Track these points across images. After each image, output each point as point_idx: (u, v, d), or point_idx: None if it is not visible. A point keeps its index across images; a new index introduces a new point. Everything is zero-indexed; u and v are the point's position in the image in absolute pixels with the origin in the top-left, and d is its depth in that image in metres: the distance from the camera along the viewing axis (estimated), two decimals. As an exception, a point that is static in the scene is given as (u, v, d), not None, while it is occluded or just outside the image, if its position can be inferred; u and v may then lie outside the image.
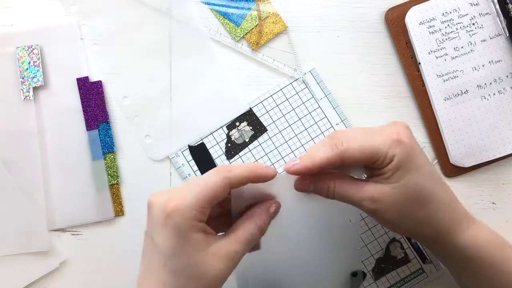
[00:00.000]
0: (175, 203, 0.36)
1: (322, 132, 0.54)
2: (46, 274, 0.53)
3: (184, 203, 0.36)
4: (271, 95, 0.55)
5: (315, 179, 0.42)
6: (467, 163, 0.53)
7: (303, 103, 0.54)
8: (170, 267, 0.37)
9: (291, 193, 0.44)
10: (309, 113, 0.54)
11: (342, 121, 0.54)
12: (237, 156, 0.54)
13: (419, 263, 0.54)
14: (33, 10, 0.54)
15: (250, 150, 0.54)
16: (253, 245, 0.40)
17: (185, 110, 0.54)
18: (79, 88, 0.54)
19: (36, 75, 0.53)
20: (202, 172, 0.54)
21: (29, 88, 0.53)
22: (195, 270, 0.37)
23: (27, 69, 0.53)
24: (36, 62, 0.53)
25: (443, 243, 0.43)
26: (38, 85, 0.53)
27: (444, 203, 0.42)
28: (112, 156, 0.54)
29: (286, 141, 0.54)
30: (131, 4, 0.55)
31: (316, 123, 0.54)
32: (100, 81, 0.54)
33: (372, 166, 0.41)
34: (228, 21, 0.54)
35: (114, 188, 0.54)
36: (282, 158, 0.54)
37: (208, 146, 0.54)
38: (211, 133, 0.54)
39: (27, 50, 0.53)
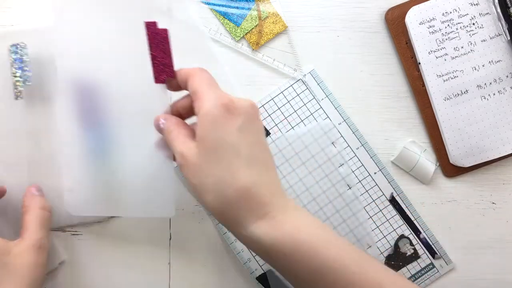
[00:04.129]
0: None
1: (326, 133, 0.54)
2: (45, 274, 0.53)
3: None
4: (272, 98, 0.54)
5: (168, 118, 0.43)
6: (467, 163, 0.53)
7: (305, 104, 0.54)
8: None
9: None
10: (311, 114, 0.54)
11: (344, 120, 0.54)
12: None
13: (429, 259, 0.54)
14: (34, 10, 0.54)
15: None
16: (49, 223, 0.49)
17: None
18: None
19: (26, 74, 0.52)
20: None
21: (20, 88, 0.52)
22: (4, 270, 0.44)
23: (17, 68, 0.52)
24: (25, 60, 0.52)
25: (236, 225, 0.40)
26: (29, 84, 0.52)
27: (237, 183, 0.39)
28: (111, 156, 0.54)
29: (290, 144, 0.54)
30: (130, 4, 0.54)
31: (318, 123, 0.54)
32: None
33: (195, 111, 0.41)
34: (228, 21, 0.54)
35: (114, 188, 0.54)
36: (287, 160, 0.54)
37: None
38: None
39: (15, 48, 0.52)
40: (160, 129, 0.44)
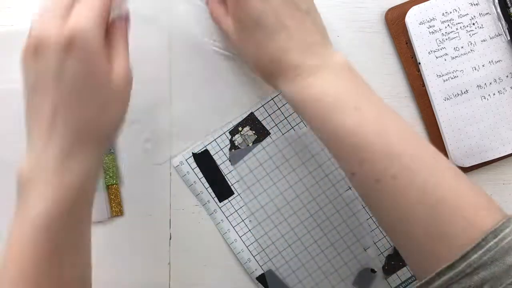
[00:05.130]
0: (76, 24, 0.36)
1: (325, 132, 0.54)
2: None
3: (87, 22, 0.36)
4: (272, 98, 0.54)
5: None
6: (467, 163, 0.53)
7: (305, 103, 0.54)
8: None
9: None
10: (311, 113, 0.54)
11: (343, 120, 0.54)
12: (241, 161, 0.54)
13: None
14: (34, 10, 0.54)
15: (254, 155, 0.54)
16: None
17: (186, 112, 0.54)
18: (78, 88, 0.54)
19: None
20: (208, 180, 0.54)
21: None
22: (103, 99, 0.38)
23: None
24: None
25: (274, 85, 0.44)
26: None
27: (265, 55, 0.43)
28: (111, 157, 0.54)
29: (290, 143, 0.54)
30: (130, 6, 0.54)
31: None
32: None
33: None
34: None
35: (113, 189, 0.54)
36: (287, 160, 0.54)
37: (212, 152, 0.54)
38: (214, 139, 0.54)
39: None
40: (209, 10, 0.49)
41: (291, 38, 0.42)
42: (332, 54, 0.43)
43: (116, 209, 0.54)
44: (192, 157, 0.54)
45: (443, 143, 0.54)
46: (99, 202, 0.53)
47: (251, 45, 0.43)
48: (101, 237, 0.54)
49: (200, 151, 0.54)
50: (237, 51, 0.46)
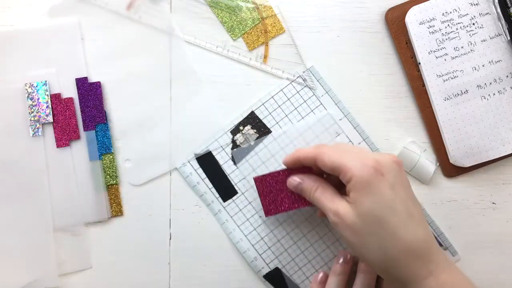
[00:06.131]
0: None
1: (327, 129, 0.54)
2: (45, 274, 0.53)
3: None
4: (272, 97, 0.54)
5: (304, 179, 0.47)
6: (467, 163, 0.53)
7: (305, 101, 0.54)
8: None
9: None
10: (312, 110, 0.54)
11: (345, 116, 0.54)
12: (243, 160, 0.54)
13: None
14: (34, 10, 0.54)
15: (256, 153, 0.54)
16: None
17: (186, 113, 0.54)
18: (77, 89, 0.54)
19: (45, 112, 0.53)
20: (211, 180, 0.54)
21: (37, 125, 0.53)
22: None
23: (35, 105, 0.53)
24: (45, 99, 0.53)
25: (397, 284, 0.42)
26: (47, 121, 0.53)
27: (399, 242, 0.40)
28: (111, 157, 0.54)
29: (292, 141, 0.54)
30: (131, 23, 0.55)
31: (319, 120, 0.54)
32: (99, 82, 0.54)
33: (342, 181, 0.43)
34: (227, 20, 0.54)
35: (113, 188, 0.54)
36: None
37: (214, 152, 0.54)
38: (216, 139, 0.54)
39: (36, 87, 0.53)
40: (298, 189, 0.47)
41: (419, 226, 0.41)
42: (443, 252, 0.43)
43: (116, 209, 0.54)
44: (194, 158, 0.54)
45: (443, 143, 0.54)
46: (99, 202, 0.53)
47: (378, 231, 0.41)
48: (101, 237, 0.54)
49: (202, 152, 0.54)
50: (352, 237, 0.42)
